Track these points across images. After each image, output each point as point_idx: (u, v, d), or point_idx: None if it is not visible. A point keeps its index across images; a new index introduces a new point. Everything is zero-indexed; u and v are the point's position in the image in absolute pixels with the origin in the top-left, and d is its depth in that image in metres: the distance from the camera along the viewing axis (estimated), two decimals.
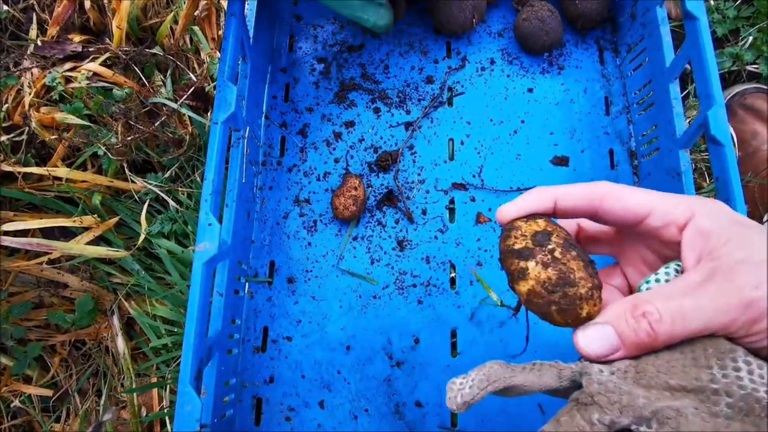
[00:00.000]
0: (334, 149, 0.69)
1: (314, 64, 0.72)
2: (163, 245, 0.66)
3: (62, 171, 0.63)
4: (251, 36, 0.63)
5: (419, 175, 0.68)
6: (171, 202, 0.65)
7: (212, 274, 0.48)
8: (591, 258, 0.32)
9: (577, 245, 0.31)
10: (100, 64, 0.70)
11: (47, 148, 0.67)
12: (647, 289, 0.31)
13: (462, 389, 0.29)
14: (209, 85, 0.73)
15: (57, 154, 0.65)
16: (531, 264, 0.30)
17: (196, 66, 0.76)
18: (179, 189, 0.66)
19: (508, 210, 0.34)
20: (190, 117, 0.69)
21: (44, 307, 0.69)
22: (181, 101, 0.68)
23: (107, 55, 0.72)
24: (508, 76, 0.72)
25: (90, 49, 0.72)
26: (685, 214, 0.30)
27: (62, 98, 0.68)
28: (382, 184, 0.67)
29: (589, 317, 0.29)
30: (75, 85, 0.68)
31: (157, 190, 0.63)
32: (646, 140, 0.68)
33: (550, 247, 0.30)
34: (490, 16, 0.75)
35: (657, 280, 0.31)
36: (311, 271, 0.64)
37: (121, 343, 0.67)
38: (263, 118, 0.70)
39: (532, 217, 0.33)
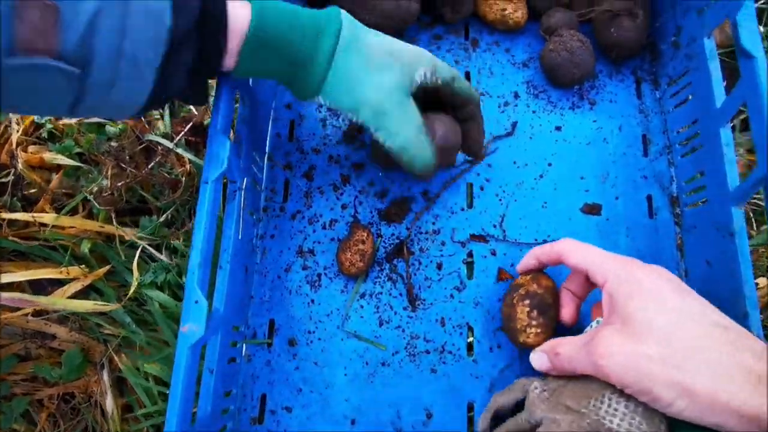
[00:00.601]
0: (342, 194, 0.63)
1: None
2: (156, 298, 0.61)
3: (49, 217, 0.59)
4: None
5: (434, 224, 0.61)
6: (162, 257, 0.60)
7: (199, 357, 0.43)
8: (544, 306, 0.48)
9: (536, 296, 0.48)
10: None
11: (35, 189, 0.63)
12: (585, 331, 0.45)
13: (479, 421, 0.46)
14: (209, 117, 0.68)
15: (44, 199, 0.60)
16: (502, 306, 0.52)
17: None
18: (173, 239, 0.61)
19: (518, 268, 0.52)
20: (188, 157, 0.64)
21: (30, 359, 0.65)
22: (176, 140, 0.63)
23: None
24: (534, 112, 0.65)
25: None
26: (602, 279, 0.41)
27: (51, 135, 0.63)
28: (393, 234, 0.61)
29: (526, 344, 0.48)
30: (65, 121, 0.63)
31: (146, 244, 0.58)
32: (690, 187, 0.60)
33: (512, 295, 0.50)
34: (514, 44, 0.68)
35: (590, 326, 0.45)
36: (314, 332, 0.58)
37: (110, 403, 0.62)
38: (266, 159, 0.64)
39: (526, 273, 0.51)
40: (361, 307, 0.59)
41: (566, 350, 0.41)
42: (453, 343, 0.57)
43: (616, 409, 0.37)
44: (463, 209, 0.62)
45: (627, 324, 0.37)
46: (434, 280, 0.59)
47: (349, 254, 0.57)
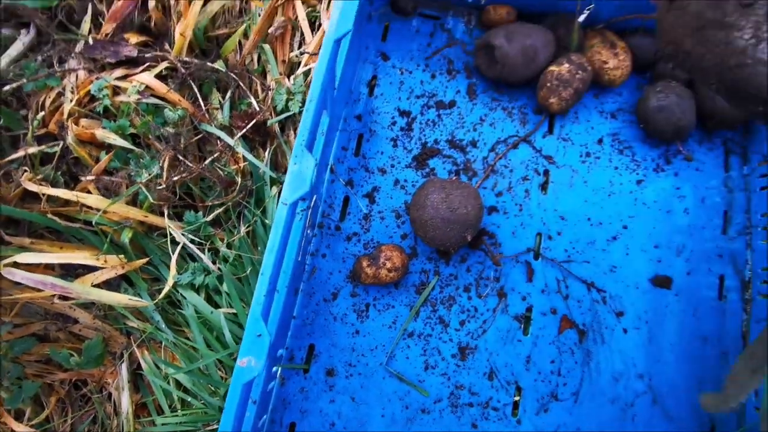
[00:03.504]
0: (404, 223, 0.59)
1: (395, 117, 0.62)
2: (191, 300, 0.58)
3: (92, 199, 0.55)
4: (337, 80, 0.53)
5: (496, 271, 0.58)
6: (204, 259, 0.56)
7: (250, 391, 0.40)
8: None
9: None
10: (155, 76, 0.61)
11: (81, 165, 0.59)
12: None
13: None
14: (272, 117, 0.64)
15: (89, 178, 0.56)
16: None
17: (259, 90, 0.67)
18: (220, 237, 0.57)
19: None
20: (244, 155, 0.60)
21: (48, 341, 0.61)
22: (236, 137, 0.59)
23: (165, 65, 0.63)
24: (615, 168, 0.62)
25: (146, 55, 0.63)
26: None
27: (106, 110, 0.59)
28: (451, 275, 0.58)
29: None
30: (123, 98, 0.59)
31: (186, 241, 0.54)
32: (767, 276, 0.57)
33: None
34: (603, 94, 0.64)
35: None
36: (355, 366, 0.55)
37: (125, 401, 0.59)
38: (327, 171, 0.60)
39: None
40: (408, 347, 0.56)
41: None
42: (498, 400, 0.54)
43: None
44: (527, 262, 0.58)
45: None
46: (489, 330, 0.56)
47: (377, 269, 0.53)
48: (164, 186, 0.53)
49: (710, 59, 0.32)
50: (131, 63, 0.62)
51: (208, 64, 0.64)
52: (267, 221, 0.60)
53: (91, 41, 0.61)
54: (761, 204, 0.60)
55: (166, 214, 0.55)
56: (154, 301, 0.58)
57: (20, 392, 0.59)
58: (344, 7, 0.46)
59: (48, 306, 0.58)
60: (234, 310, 0.57)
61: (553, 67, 0.58)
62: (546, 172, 0.61)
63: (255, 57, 0.68)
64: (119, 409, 0.60)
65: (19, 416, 0.62)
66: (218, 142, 0.59)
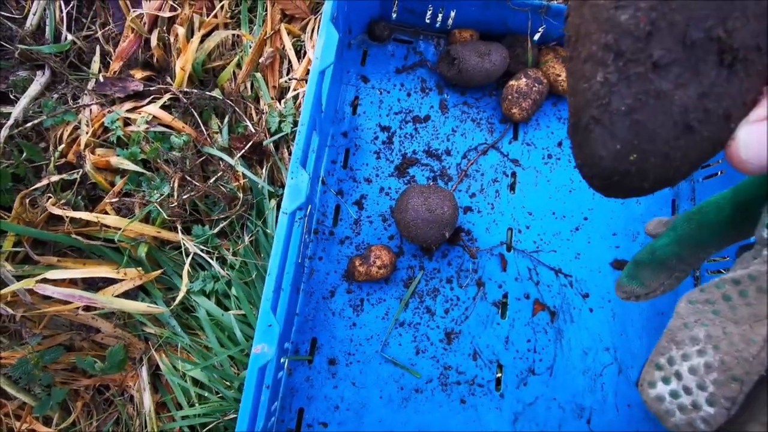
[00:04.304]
0: (390, 225, 0.66)
1: (377, 132, 0.70)
2: (203, 305, 0.64)
3: (111, 219, 0.61)
4: (324, 104, 0.60)
5: (473, 263, 0.65)
6: (215, 265, 0.63)
7: (264, 376, 0.46)
8: None
9: None
10: (160, 107, 0.68)
11: (98, 189, 0.65)
12: None
13: None
14: (266, 137, 0.71)
15: (106, 200, 0.63)
16: None
17: (253, 114, 0.74)
18: (226, 247, 0.64)
19: None
20: (244, 173, 0.67)
21: (74, 350, 0.67)
22: (237, 158, 0.66)
23: (168, 96, 0.70)
24: (575, 167, 0.70)
25: (151, 89, 0.70)
26: None
27: (118, 139, 0.66)
28: (435, 269, 0.65)
29: None
30: (133, 128, 0.66)
31: (199, 252, 0.61)
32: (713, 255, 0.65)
33: None
34: (560, 102, 0.73)
35: None
36: (354, 354, 0.62)
37: (147, 399, 0.65)
38: (320, 183, 0.67)
39: None
40: (400, 335, 0.62)
41: None
42: (483, 377, 0.61)
43: None
44: (501, 254, 0.66)
45: None
46: (470, 316, 0.63)
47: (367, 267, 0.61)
48: (176, 204, 0.60)
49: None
50: (138, 96, 0.69)
51: (207, 93, 0.71)
52: (268, 231, 0.67)
53: (101, 79, 0.68)
54: (704, 192, 0.68)
55: (179, 229, 0.62)
56: (170, 308, 0.64)
57: (49, 399, 0.65)
58: (326, 42, 0.53)
59: (73, 317, 0.64)
60: (243, 312, 0.64)
61: (512, 82, 0.67)
62: (513, 174, 0.69)
63: (248, 84, 0.75)
64: (141, 409, 0.66)
65: (47, 422, 0.68)
66: (220, 162, 0.66)
